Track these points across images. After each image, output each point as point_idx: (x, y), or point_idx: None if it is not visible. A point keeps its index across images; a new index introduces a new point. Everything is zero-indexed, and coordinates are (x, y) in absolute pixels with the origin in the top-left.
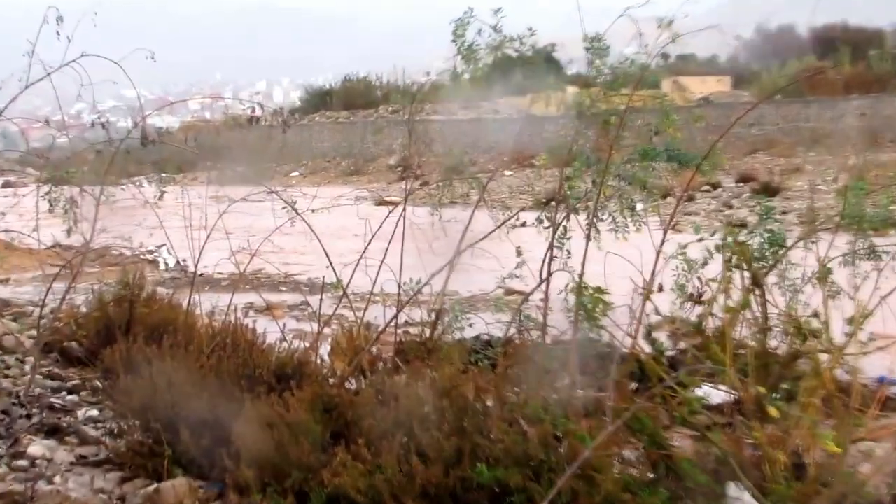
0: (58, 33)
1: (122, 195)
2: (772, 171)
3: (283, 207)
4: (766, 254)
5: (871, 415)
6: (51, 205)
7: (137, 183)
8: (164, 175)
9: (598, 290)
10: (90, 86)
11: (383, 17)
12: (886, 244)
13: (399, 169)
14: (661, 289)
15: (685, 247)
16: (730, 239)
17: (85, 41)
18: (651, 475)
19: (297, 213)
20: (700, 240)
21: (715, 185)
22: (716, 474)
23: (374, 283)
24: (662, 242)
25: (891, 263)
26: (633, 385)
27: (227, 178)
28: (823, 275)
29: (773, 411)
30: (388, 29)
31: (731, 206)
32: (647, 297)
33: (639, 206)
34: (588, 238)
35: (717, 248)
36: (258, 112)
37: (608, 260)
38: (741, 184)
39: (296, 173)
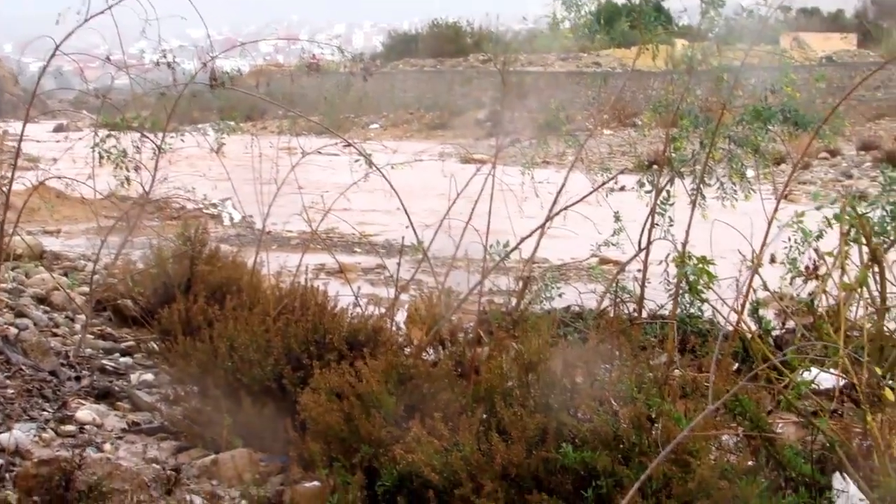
0: None
1: (186, 143)
2: None
3: (357, 160)
4: (888, 228)
5: None
6: (104, 154)
7: (202, 130)
8: (230, 123)
9: (703, 260)
10: (154, 22)
11: None
12: None
13: (488, 124)
14: (773, 260)
15: (801, 215)
16: (849, 210)
17: None
18: (750, 462)
19: (376, 168)
20: (818, 208)
21: (834, 153)
22: (821, 464)
23: (457, 247)
24: (775, 211)
25: None
26: (736, 365)
27: (301, 129)
28: None
29: (888, 395)
30: None
31: (850, 176)
32: (755, 270)
33: (749, 173)
34: (693, 205)
35: (834, 220)
36: (330, 57)
37: (715, 229)
38: (863, 152)
39: (375, 125)
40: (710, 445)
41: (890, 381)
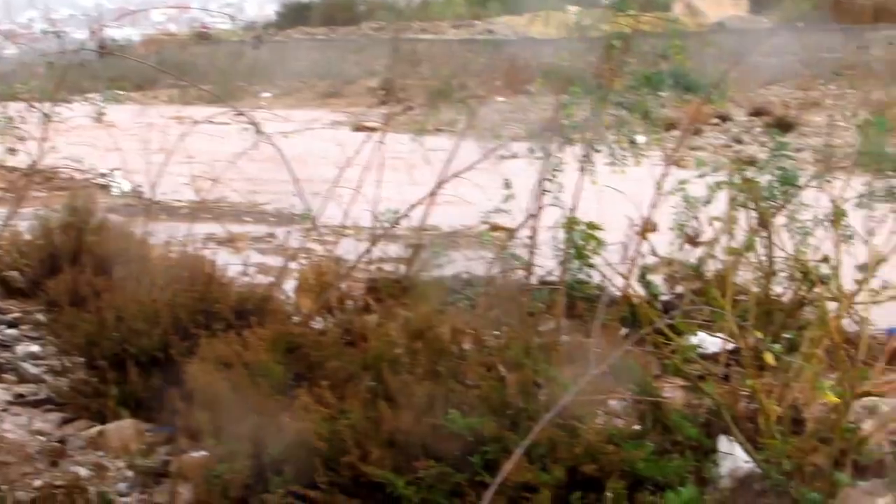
0: None
1: (75, 113)
2: (788, 105)
3: (247, 129)
4: (776, 193)
5: (878, 368)
6: None
7: (91, 100)
8: (117, 92)
9: (591, 226)
10: None
11: None
12: None
13: (381, 92)
14: (654, 228)
15: (685, 182)
16: (736, 176)
17: None
18: (637, 427)
19: (265, 137)
20: (701, 176)
21: (725, 119)
22: (707, 427)
23: (346, 215)
24: (663, 178)
25: None
26: (625, 331)
27: (191, 98)
28: (836, 217)
29: (769, 358)
30: None
31: (740, 142)
32: (642, 236)
33: (640, 139)
34: (582, 171)
35: (722, 186)
36: (223, 26)
37: (604, 196)
38: (753, 118)
39: (267, 94)
40: (596, 410)
41: (776, 345)
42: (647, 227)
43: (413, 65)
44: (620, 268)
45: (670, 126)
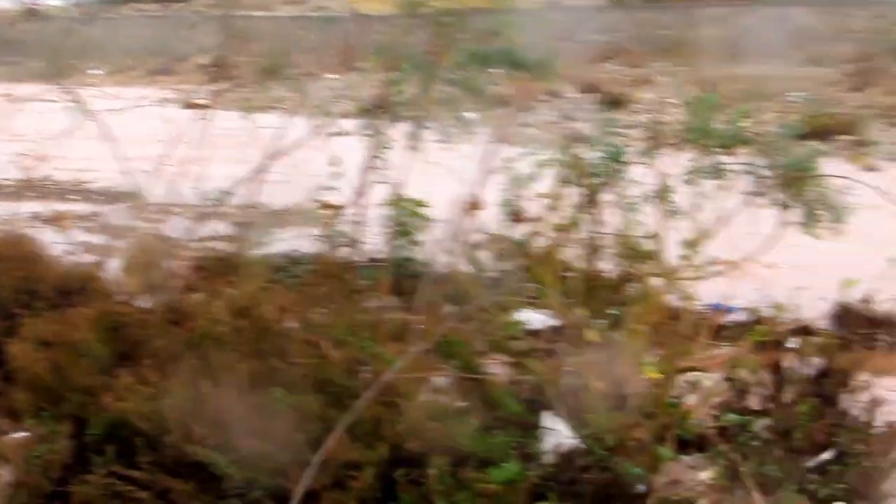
0: None
1: None
2: (618, 82)
3: (73, 107)
4: (604, 170)
5: (701, 344)
6: None
7: None
8: None
9: (416, 203)
10: None
11: None
12: (733, 163)
13: (212, 69)
14: (481, 205)
15: (513, 159)
16: (564, 153)
17: None
18: (462, 403)
19: (92, 114)
20: (529, 153)
21: (556, 96)
22: (531, 403)
23: (174, 193)
24: (490, 155)
25: (735, 183)
26: (453, 308)
27: (21, 75)
28: (662, 193)
29: (590, 335)
30: None
31: (571, 119)
32: (468, 213)
33: (471, 116)
34: (411, 149)
35: (549, 163)
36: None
37: (435, 173)
38: (585, 94)
39: (98, 71)
40: (421, 387)
41: (601, 321)
42: (474, 204)
43: (244, 42)
44: (447, 245)
45: (501, 103)
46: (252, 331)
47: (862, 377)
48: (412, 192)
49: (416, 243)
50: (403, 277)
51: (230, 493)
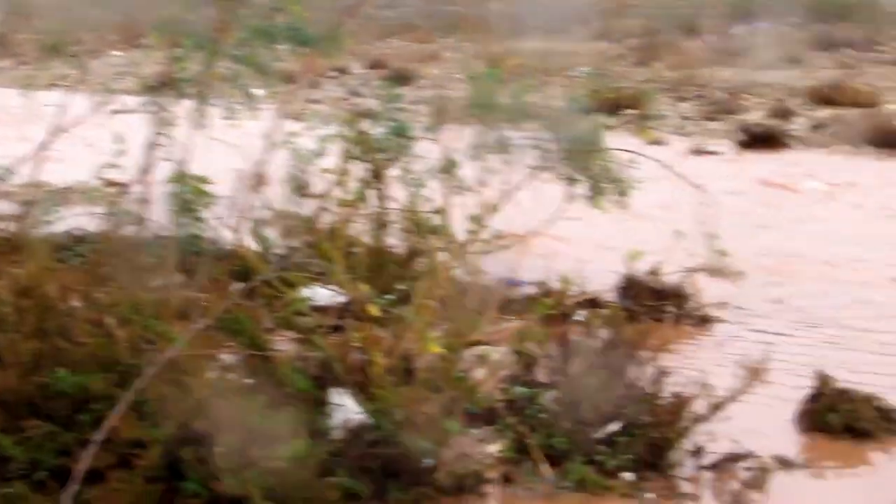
0: None
1: None
2: (405, 58)
3: None
4: (390, 145)
5: (489, 317)
6: None
7: None
8: None
9: (200, 179)
10: None
11: None
12: (519, 137)
13: None
14: (265, 181)
15: (298, 136)
16: (349, 128)
17: None
18: (249, 381)
19: None
20: (312, 129)
21: (343, 71)
22: (319, 380)
23: None
24: (275, 131)
25: (521, 157)
26: (242, 285)
27: None
28: (448, 168)
29: (373, 310)
30: None
31: (358, 94)
32: (254, 189)
33: (258, 92)
34: (196, 126)
35: (334, 138)
36: None
37: (220, 150)
38: (372, 70)
39: None
40: (207, 365)
41: (388, 297)
42: (260, 181)
43: (26, 18)
44: (232, 222)
45: (288, 79)
46: (35, 310)
47: (648, 348)
48: (197, 168)
49: (200, 220)
50: (189, 255)
51: (14, 476)
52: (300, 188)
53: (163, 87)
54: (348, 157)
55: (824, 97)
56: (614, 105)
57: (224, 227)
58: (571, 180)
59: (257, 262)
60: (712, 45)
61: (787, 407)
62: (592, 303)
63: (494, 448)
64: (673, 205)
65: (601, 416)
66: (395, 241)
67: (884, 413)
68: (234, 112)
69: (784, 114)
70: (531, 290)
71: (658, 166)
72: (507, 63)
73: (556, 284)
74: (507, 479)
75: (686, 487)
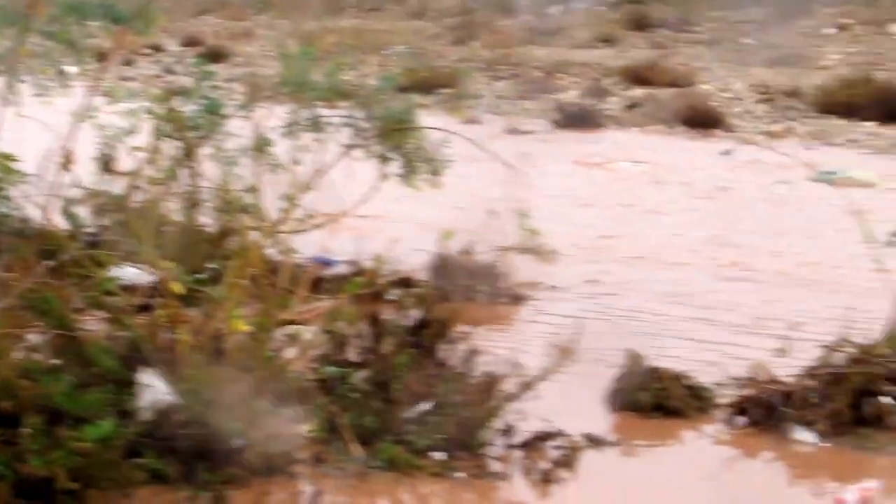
0: None
1: None
2: (220, 35)
3: None
4: (202, 123)
5: (301, 296)
6: None
7: None
8: None
9: (5, 157)
10: None
11: None
12: (332, 115)
13: None
14: (73, 159)
15: (109, 113)
16: (160, 106)
17: None
18: (56, 361)
19: None
20: (119, 106)
21: (158, 49)
22: (128, 360)
23: None
24: (84, 108)
25: (335, 136)
26: (48, 264)
27: None
28: (260, 146)
29: (176, 288)
30: None
31: (173, 72)
32: (64, 167)
33: (70, 70)
34: (5, 103)
35: (143, 116)
36: None
37: (30, 127)
38: (187, 48)
39: None
40: (13, 345)
41: (199, 276)
42: (69, 158)
43: None
44: (40, 200)
45: (102, 57)
46: None
47: (460, 328)
48: (7, 146)
49: (7, 199)
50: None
51: None
52: (110, 166)
53: None
54: (160, 134)
55: (638, 77)
56: (430, 84)
57: (33, 205)
58: (385, 159)
59: (66, 240)
60: (528, 25)
61: (598, 386)
62: (405, 282)
63: (305, 428)
64: (486, 184)
65: (412, 396)
66: (207, 219)
67: (693, 391)
68: (46, 89)
69: (599, 93)
70: (344, 270)
71: (471, 145)
72: (322, 41)
73: (368, 264)
74: (317, 460)
75: (496, 466)
